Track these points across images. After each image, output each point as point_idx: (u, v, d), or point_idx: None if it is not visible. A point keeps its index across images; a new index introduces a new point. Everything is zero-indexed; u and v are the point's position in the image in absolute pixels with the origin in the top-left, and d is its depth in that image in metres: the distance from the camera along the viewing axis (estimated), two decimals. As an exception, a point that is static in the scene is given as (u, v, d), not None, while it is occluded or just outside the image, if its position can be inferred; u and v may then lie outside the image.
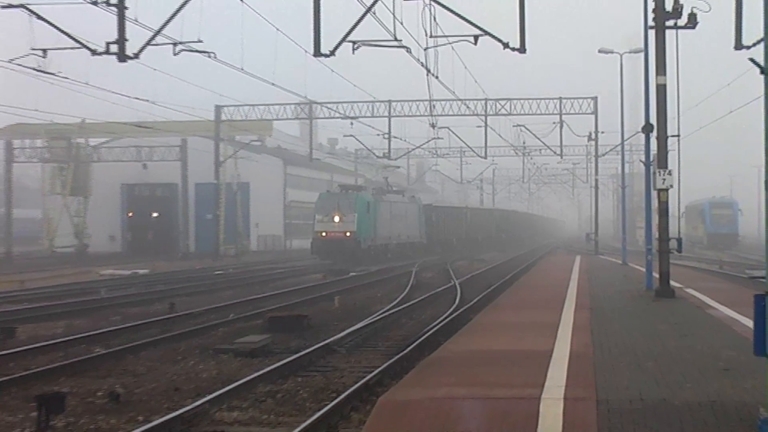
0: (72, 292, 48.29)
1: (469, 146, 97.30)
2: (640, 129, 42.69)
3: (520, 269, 64.70)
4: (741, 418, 13.93)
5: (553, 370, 18.13)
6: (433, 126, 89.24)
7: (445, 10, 36.96)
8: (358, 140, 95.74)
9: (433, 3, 36.91)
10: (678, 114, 38.48)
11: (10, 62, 40.31)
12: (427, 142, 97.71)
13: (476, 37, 36.99)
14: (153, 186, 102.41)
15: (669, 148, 36.64)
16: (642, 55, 41.15)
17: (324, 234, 79.12)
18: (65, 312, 37.87)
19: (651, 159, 39.52)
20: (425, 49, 39.78)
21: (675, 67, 35.87)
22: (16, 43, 39.63)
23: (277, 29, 45.84)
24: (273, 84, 54.18)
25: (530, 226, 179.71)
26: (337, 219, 78.99)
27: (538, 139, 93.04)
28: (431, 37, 38.10)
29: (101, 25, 38.11)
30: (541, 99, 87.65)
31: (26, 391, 20.51)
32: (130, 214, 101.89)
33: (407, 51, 39.62)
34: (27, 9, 37.97)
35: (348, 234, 78.29)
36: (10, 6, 38.37)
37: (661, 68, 35.37)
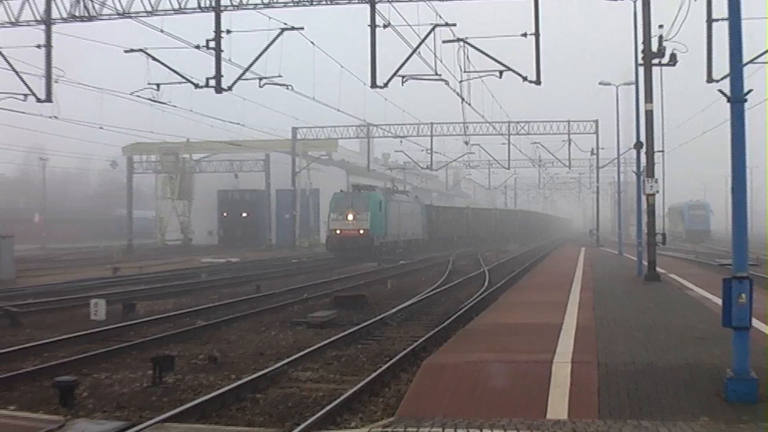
0: (179, 276, 48.44)
1: (495, 159, 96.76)
2: (632, 146, 42.53)
3: (536, 258, 64.49)
4: (711, 377, 13.89)
5: (563, 339, 18.12)
6: (466, 143, 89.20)
7: (476, 51, 37.02)
8: (406, 155, 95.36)
9: (466, 45, 36.92)
10: (662, 134, 38.35)
11: (131, 94, 40.65)
12: (461, 156, 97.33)
13: (501, 72, 37.03)
14: (242, 192, 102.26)
15: (655, 161, 36.51)
16: (633, 86, 41.06)
17: (339, 231, 69.78)
18: (174, 291, 38.02)
19: (641, 170, 39.39)
20: (460, 82, 39.65)
21: (660, 96, 35.83)
22: (136, 80, 39.84)
23: (342, 66, 45.95)
24: (338, 110, 54.25)
25: (545, 223, 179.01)
26: (351, 217, 69.45)
27: (551, 153, 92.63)
28: (465, 72, 37.99)
29: (202, 64, 38.26)
30: (553, 121, 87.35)
31: (144, 354, 20.60)
32: (225, 214, 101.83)
33: (446, 83, 39.54)
34: (145, 52, 38.40)
35: (362, 231, 68.90)
36: (132, 50, 38.71)
37: (648, 97, 35.44)
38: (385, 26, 36.09)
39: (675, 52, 34.18)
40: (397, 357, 19.29)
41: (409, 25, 36.37)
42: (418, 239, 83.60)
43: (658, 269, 36.01)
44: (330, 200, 74.25)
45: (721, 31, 31.11)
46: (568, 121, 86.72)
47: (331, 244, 71.13)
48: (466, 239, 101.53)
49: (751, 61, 30.00)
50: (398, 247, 76.11)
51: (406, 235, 79.38)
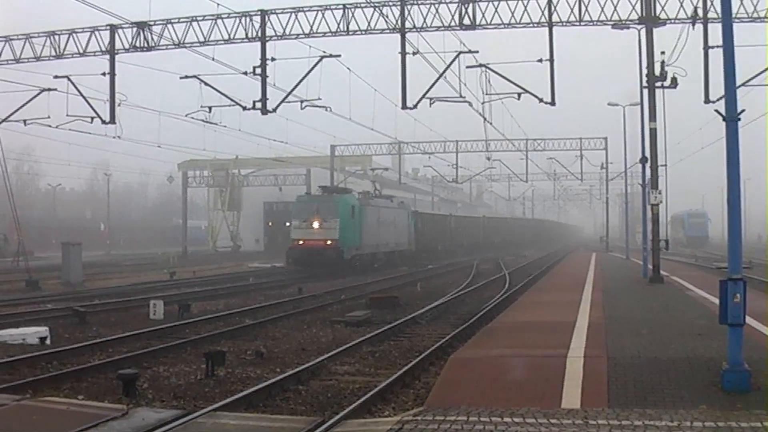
0: (229, 279, 48.55)
1: (514, 173, 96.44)
2: (638, 160, 42.42)
3: (552, 262, 64.41)
4: (709, 368, 13.89)
5: (576, 336, 18.10)
6: (488, 158, 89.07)
7: (497, 75, 37.06)
8: (434, 169, 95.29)
9: (488, 70, 36.99)
10: (665, 149, 38.41)
11: (186, 116, 40.94)
12: (483, 170, 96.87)
13: (519, 94, 37.11)
14: (286, 203, 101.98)
15: (659, 174, 36.45)
16: (639, 107, 40.99)
17: (302, 242, 53.30)
18: (225, 293, 38.14)
19: (646, 182, 39.28)
20: (482, 103, 39.60)
21: (662, 115, 35.80)
22: (191, 103, 40.11)
23: (375, 89, 45.94)
24: (372, 129, 54.16)
25: (558, 231, 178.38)
26: (316, 225, 53.25)
27: (564, 167, 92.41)
28: (486, 94, 38.03)
29: (250, 89, 38.49)
30: (566, 139, 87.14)
31: (198, 349, 20.71)
32: (270, 224, 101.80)
33: (469, 105, 39.55)
34: (198, 78, 38.75)
35: (329, 242, 52.81)
36: (187, 77, 39.01)
37: (652, 116, 35.41)
38: (414, 53, 36.29)
39: (676, 75, 34.18)
40: (426, 352, 19.29)
41: (436, 52, 36.56)
42: (403, 250, 66.18)
43: (661, 272, 35.91)
44: (292, 205, 60.17)
45: (717, 56, 31.01)
46: (580, 138, 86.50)
47: (292, 258, 54.26)
48: (470, 248, 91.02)
49: (744, 84, 30.02)
50: (377, 260, 59.44)
51: (388, 245, 62.31)
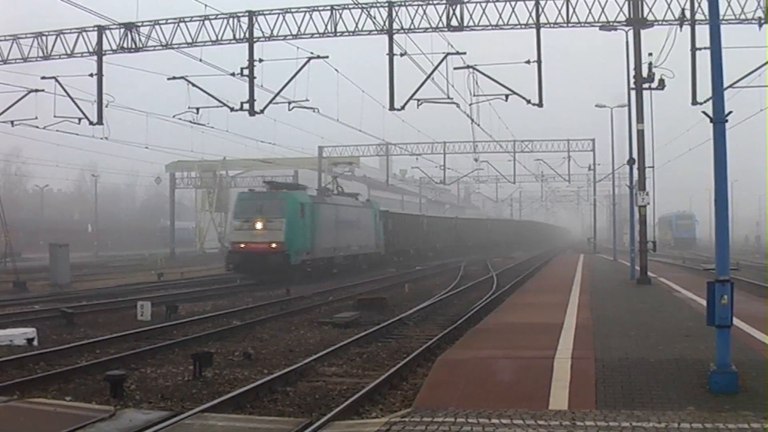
0: (216, 280, 48.46)
1: (502, 174, 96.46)
2: (625, 162, 42.60)
3: (541, 263, 64.49)
4: (697, 370, 13.92)
5: (564, 337, 18.14)
6: (476, 160, 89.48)
7: (484, 76, 37.11)
8: (421, 170, 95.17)
9: (475, 71, 37.04)
10: (653, 151, 38.44)
11: (174, 117, 40.84)
12: (471, 172, 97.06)
13: (507, 96, 37.12)
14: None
15: (646, 176, 36.52)
16: (626, 108, 41.12)
17: (243, 245, 46.77)
18: (212, 294, 38.11)
19: (633, 184, 39.40)
20: (470, 105, 39.65)
21: (650, 117, 35.91)
22: (178, 104, 40.06)
23: (363, 90, 45.94)
24: (360, 130, 54.15)
25: (544, 232, 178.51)
26: (259, 226, 46.64)
27: (552, 169, 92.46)
28: (474, 95, 38.08)
29: (237, 90, 38.49)
30: (554, 140, 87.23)
31: (185, 351, 20.67)
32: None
33: (457, 106, 39.60)
34: (186, 79, 38.70)
35: (273, 245, 45.90)
36: (174, 78, 38.96)
37: (639, 118, 35.59)
38: (401, 55, 36.28)
39: (663, 77, 34.33)
40: (414, 353, 19.27)
41: (424, 54, 36.55)
42: (369, 253, 59.84)
43: (649, 273, 35.99)
44: (234, 202, 53.58)
45: (704, 58, 31.13)
46: (568, 140, 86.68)
47: (232, 262, 47.54)
48: (444, 251, 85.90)
49: (731, 86, 30.07)
50: (335, 265, 52.96)
51: (350, 248, 55.65)
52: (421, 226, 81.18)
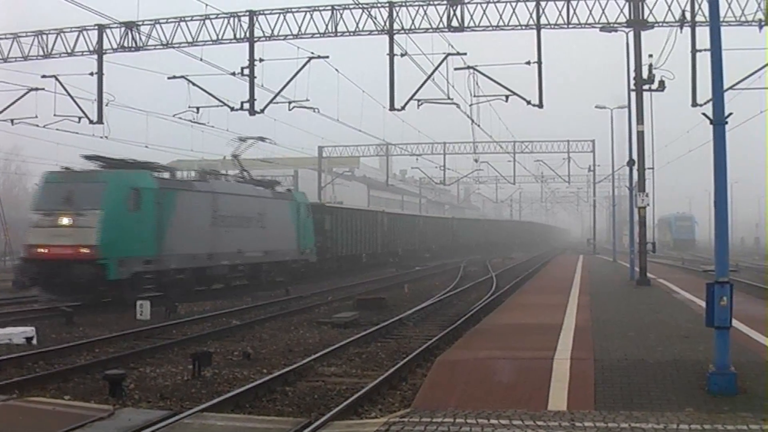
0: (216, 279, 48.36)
1: (502, 175, 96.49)
2: (625, 163, 42.65)
3: (540, 264, 64.47)
4: (695, 371, 13.93)
5: (563, 338, 18.15)
6: (476, 160, 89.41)
7: (485, 77, 37.14)
8: (421, 171, 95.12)
9: (475, 72, 37.04)
10: (652, 152, 38.54)
11: (174, 116, 40.83)
12: (471, 172, 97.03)
13: (507, 96, 37.11)
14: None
15: (646, 177, 36.55)
16: (626, 110, 41.15)
17: (41, 250, 31.25)
18: (212, 294, 38.06)
19: (633, 185, 39.45)
20: (470, 105, 39.69)
21: (650, 118, 35.97)
22: (178, 104, 40.06)
23: (363, 90, 45.93)
24: (360, 130, 54.14)
25: (545, 233, 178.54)
26: (65, 222, 31.27)
27: (552, 170, 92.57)
28: (474, 96, 38.10)
29: (238, 89, 38.49)
30: (554, 141, 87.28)
31: (185, 350, 20.68)
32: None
33: (457, 107, 39.66)
34: (186, 79, 38.71)
35: (82, 250, 30.77)
36: (174, 77, 38.96)
37: (639, 119, 35.62)
38: (402, 55, 36.30)
39: (663, 79, 34.34)
40: (413, 354, 19.27)
41: (424, 54, 36.55)
42: (287, 260, 45.20)
43: (648, 275, 35.99)
44: (38, 188, 35.18)
45: (704, 60, 31.15)
46: (568, 141, 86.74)
47: (26, 276, 31.69)
48: (409, 256, 73.69)
49: (731, 88, 30.06)
50: (212, 278, 38.07)
51: (243, 255, 39.68)
52: (381, 226, 67.31)
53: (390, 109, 37.26)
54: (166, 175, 36.17)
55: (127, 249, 31.70)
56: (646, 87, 35.08)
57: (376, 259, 64.87)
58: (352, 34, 37.28)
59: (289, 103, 39.53)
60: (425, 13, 36.28)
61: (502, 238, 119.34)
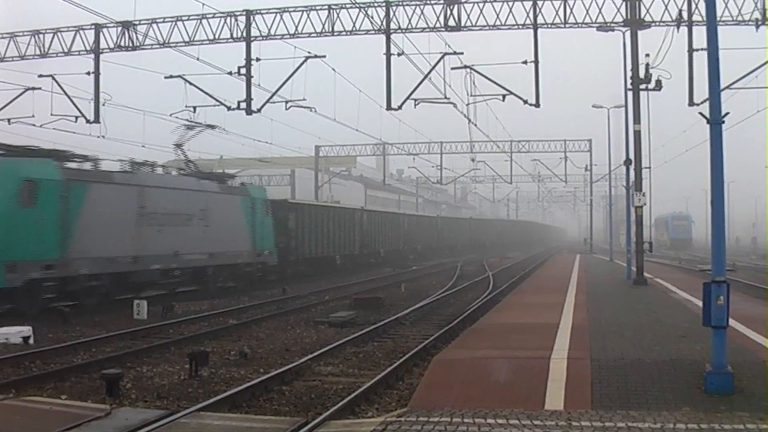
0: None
1: (498, 175, 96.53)
2: (622, 162, 42.65)
3: (537, 263, 64.48)
4: (692, 371, 13.93)
5: (560, 338, 18.16)
6: (472, 160, 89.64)
7: (482, 77, 37.16)
8: (418, 170, 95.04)
9: (472, 71, 37.06)
10: (649, 152, 38.65)
11: (170, 116, 40.76)
12: (468, 172, 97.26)
13: (504, 96, 37.12)
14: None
15: (643, 176, 36.61)
16: (623, 109, 41.14)
17: None
18: (208, 294, 38.01)
19: (630, 184, 39.48)
20: (467, 105, 39.74)
21: (647, 118, 36.09)
22: (175, 103, 40.06)
23: (360, 90, 45.96)
24: (357, 129, 54.08)
25: (541, 233, 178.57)
26: None
27: (549, 169, 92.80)
28: (471, 95, 38.15)
29: (234, 89, 38.48)
30: (550, 140, 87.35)
31: (181, 350, 20.69)
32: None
33: (454, 106, 39.65)
34: (183, 78, 38.69)
35: None
36: (171, 76, 38.96)
37: (636, 119, 35.69)
38: (399, 54, 36.27)
39: (660, 78, 34.38)
40: (410, 353, 19.28)
41: (421, 54, 36.59)
42: (238, 264, 39.92)
43: (645, 274, 36.05)
44: None
45: (701, 59, 31.20)
46: (565, 140, 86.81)
47: None
48: (392, 257, 69.76)
49: (728, 87, 30.13)
50: (139, 285, 32.63)
51: (181, 258, 34.86)
52: (360, 224, 62.91)
53: (387, 109, 37.27)
54: (80, 165, 31.30)
55: (18, 251, 27.04)
56: (642, 86, 35.11)
57: (353, 261, 59.54)
58: (349, 33, 37.27)
59: (286, 102, 39.50)
60: (422, 12, 36.31)
61: (493, 237, 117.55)
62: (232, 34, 37.62)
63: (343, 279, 48.00)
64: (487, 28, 36.00)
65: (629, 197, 40.01)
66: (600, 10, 34.98)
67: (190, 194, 36.39)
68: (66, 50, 39.27)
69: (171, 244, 34.20)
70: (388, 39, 36.40)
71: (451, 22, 36.01)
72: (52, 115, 40.60)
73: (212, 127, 40.46)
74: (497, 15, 35.67)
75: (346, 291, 39.42)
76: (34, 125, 42.03)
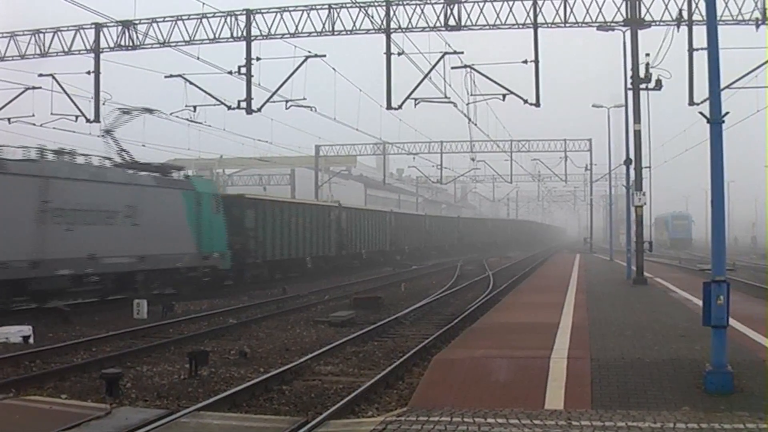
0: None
1: (499, 174, 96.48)
2: (622, 162, 42.65)
3: (537, 262, 64.43)
4: (692, 370, 13.92)
5: (560, 337, 18.14)
6: (472, 159, 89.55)
7: (482, 76, 37.17)
8: (418, 170, 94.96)
9: (472, 71, 37.10)
10: (649, 151, 38.69)
11: (170, 115, 40.79)
12: (468, 171, 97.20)
13: (504, 95, 37.16)
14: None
15: (643, 176, 36.61)
16: (623, 108, 41.13)
17: None
18: (208, 293, 38.01)
19: (630, 184, 39.48)
20: (467, 104, 39.81)
21: (647, 117, 36.10)
22: (175, 102, 40.07)
23: (360, 89, 45.99)
24: (357, 129, 54.07)
25: (543, 232, 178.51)
26: None
27: (549, 169, 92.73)
28: (471, 95, 38.23)
29: (234, 88, 38.49)
30: (551, 140, 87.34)
31: (181, 349, 20.67)
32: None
33: (454, 105, 39.66)
34: (183, 78, 38.72)
35: None
36: (171, 76, 38.97)
37: (636, 118, 35.69)
38: (399, 54, 36.29)
39: (660, 78, 34.39)
40: (410, 353, 19.26)
41: (421, 53, 36.65)
42: (180, 268, 35.00)
43: (645, 274, 36.04)
44: None
45: (701, 59, 31.21)
46: (565, 140, 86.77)
47: None
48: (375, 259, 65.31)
49: (728, 87, 30.13)
50: (35, 294, 28.43)
51: (90, 263, 29.56)
52: (338, 223, 56.52)
53: (387, 108, 37.28)
54: None
55: None
56: (643, 86, 35.13)
57: (328, 264, 54.28)
58: (349, 32, 37.29)
59: (286, 102, 39.54)
60: (422, 11, 36.33)
61: (484, 237, 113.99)
62: (232, 34, 37.64)
63: (343, 279, 47.95)
64: (488, 27, 36.03)
65: (629, 197, 40.02)
66: (600, 9, 35.02)
67: (113, 188, 31.11)
68: (66, 49, 39.29)
69: (86, 245, 29.28)
70: (388, 38, 36.42)
71: (452, 22, 36.03)
72: (52, 114, 40.65)
73: (150, 111, 36.33)
74: (497, 14, 35.71)
75: (346, 290, 39.40)
76: (34, 124, 42.06)
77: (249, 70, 37.57)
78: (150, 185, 33.38)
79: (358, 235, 60.93)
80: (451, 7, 35.94)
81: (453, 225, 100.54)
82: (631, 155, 37.90)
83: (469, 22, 36.05)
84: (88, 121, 39.83)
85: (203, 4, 36.03)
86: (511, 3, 35.54)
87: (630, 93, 36.67)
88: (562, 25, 35.61)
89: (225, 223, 38.59)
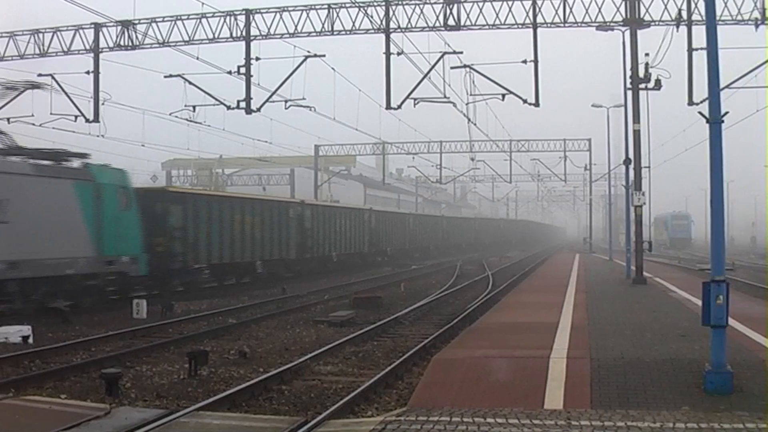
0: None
1: (498, 174, 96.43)
2: (621, 162, 42.67)
3: (537, 262, 64.39)
4: (692, 370, 13.93)
5: (559, 337, 18.16)
6: (472, 159, 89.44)
7: (481, 76, 37.14)
8: (418, 169, 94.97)
9: (472, 70, 37.05)
10: (649, 151, 38.62)
11: (170, 115, 40.79)
12: (467, 171, 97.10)
13: (503, 95, 37.09)
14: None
15: (642, 176, 36.65)
16: (622, 108, 41.16)
17: None
18: (209, 293, 38.00)
19: (629, 184, 39.50)
20: (466, 104, 39.77)
21: (646, 117, 36.10)
22: (175, 102, 40.07)
23: (359, 89, 45.99)
24: (356, 129, 54.05)
25: (542, 232, 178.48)
26: None
27: (548, 169, 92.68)
28: (471, 95, 38.15)
29: (234, 88, 38.47)
30: (550, 140, 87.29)
31: (181, 349, 20.66)
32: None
33: (453, 105, 39.64)
34: (182, 77, 38.69)
35: None
36: (171, 76, 38.96)
37: (635, 118, 35.74)
38: (398, 54, 36.26)
39: (659, 77, 34.45)
40: (410, 352, 19.26)
41: (420, 53, 36.63)
42: (74, 274, 28.32)
43: (644, 273, 36.09)
44: None
45: (701, 59, 31.21)
46: (564, 140, 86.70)
47: None
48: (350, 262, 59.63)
49: (727, 86, 30.09)
50: None
51: None
52: (307, 220, 51.27)
53: (386, 108, 37.26)
54: None
55: None
56: (642, 86, 35.17)
57: (287, 268, 47.94)
58: (348, 32, 37.28)
59: (286, 101, 39.51)
60: (422, 11, 36.31)
61: (473, 239, 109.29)
62: (231, 34, 37.62)
63: (343, 278, 47.93)
64: (487, 27, 36.02)
65: (629, 196, 40.03)
66: (600, 9, 35.02)
67: None
68: (65, 49, 39.26)
69: None
70: (388, 38, 36.40)
71: (451, 22, 36.01)
72: (51, 114, 40.57)
73: (38, 86, 32.49)
74: (497, 14, 35.70)
75: (346, 290, 39.41)
76: (33, 124, 42.02)
77: (248, 70, 37.55)
78: (25, 174, 26.55)
79: (326, 235, 54.57)
80: (451, 7, 35.94)
81: (438, 225, 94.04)
82: (631, 155, 37.94)
83: (468, 22, 36.04)
84: (87, 121, 39.78)
85: (202, 4, 36.03)
86: (510, 3, 35.54)
87: (629, 93, 36.72)
88: (562, 25, 35.61)
89: (140, 221, 32.18)
